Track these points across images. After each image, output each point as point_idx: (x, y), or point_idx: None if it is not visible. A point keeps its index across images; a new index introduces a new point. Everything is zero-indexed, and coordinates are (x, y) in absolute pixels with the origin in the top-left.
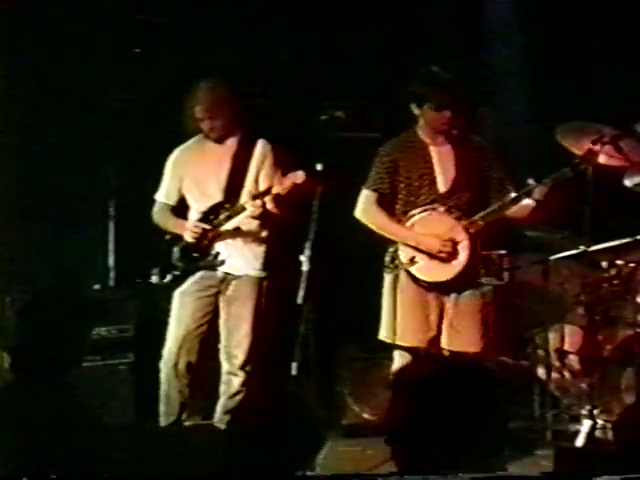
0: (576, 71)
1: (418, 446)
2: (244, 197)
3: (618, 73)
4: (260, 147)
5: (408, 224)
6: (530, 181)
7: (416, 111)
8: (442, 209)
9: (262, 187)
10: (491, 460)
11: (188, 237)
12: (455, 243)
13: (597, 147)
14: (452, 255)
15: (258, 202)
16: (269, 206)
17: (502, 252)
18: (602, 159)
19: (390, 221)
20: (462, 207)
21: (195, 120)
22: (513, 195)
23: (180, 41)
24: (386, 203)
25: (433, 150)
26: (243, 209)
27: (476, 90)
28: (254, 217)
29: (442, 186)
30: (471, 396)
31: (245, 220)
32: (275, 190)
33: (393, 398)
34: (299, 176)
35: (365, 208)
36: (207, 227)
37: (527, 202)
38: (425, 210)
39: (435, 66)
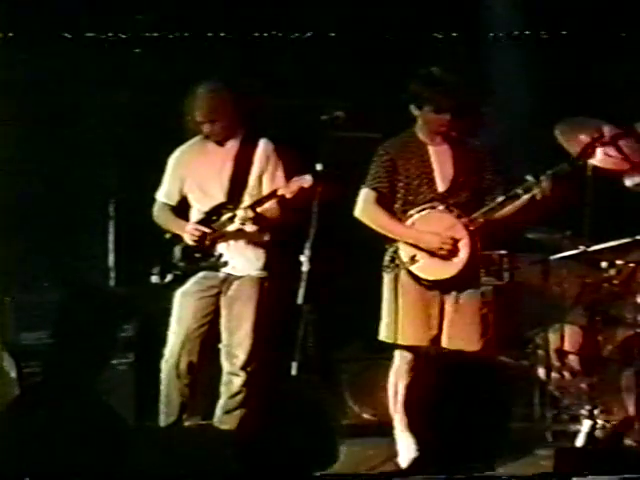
0: (576, 71)
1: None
2: (247, 198)
3: (618, 73)
4: (262, 147)
5: (408, 223)
6: (529, 177)
7: (415, 112)
8: (441, 207)
9: (266, 188)
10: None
11: (187, 239)
12: (455, 241)
13: (596, 143)
14: (453, 253)
15: (249, 212)
16: (272, 208)
17: (502, 252)
18: (602, 159)
19: (390, 219)
20: (461, 206)
21: (195, 123)
22: (512, 192)
23: (180, 41)
24: (385, 202)
25: (431, 150)
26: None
27: (476, 91)
28: (242, 224)
29: (441, 186)
30: (475, 394)
31: (240, 224)
32: (281, 193)
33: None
34: (307, 180)
35: (364, 207)
36: (206, 230)
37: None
38: (425, 209)
39: (436, 67)
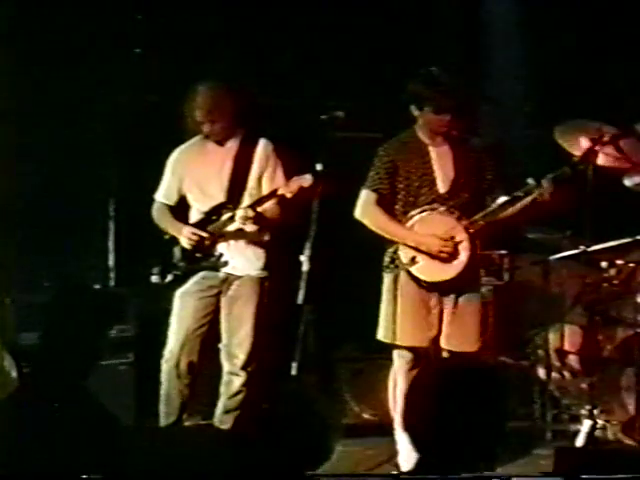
0: (576, 71)
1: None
2: (246, 198)
3: (618, 73)
4: (262, 147)
5: (408, 224)
6: (530, 181)
7: (415, 112)
8: (442, 209)
9: (266, 188)
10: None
11: (184, 243)
12: (455, 243)
13: (597, 146)
14: (452, 255)
15: (249, 212)
16: (272, 208)
17: (502, 252)
18: (602, 159)
19: (390, 221)
20: (462, 207)
21: (195, 123)
22: (513, 195)
23: (180, 41)
24: (385, 203)
25: (432, 150)
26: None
27: (476, 91)
28: (243, 224)
29: (442, 187)
30: (472, 397)
31: (240, 224)
32: (280, 192)
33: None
34: (307, 180)
35: (365, 208)
36: (204, 235)
37: (528, 200)
38: (425, 210)
39: (436, 68)
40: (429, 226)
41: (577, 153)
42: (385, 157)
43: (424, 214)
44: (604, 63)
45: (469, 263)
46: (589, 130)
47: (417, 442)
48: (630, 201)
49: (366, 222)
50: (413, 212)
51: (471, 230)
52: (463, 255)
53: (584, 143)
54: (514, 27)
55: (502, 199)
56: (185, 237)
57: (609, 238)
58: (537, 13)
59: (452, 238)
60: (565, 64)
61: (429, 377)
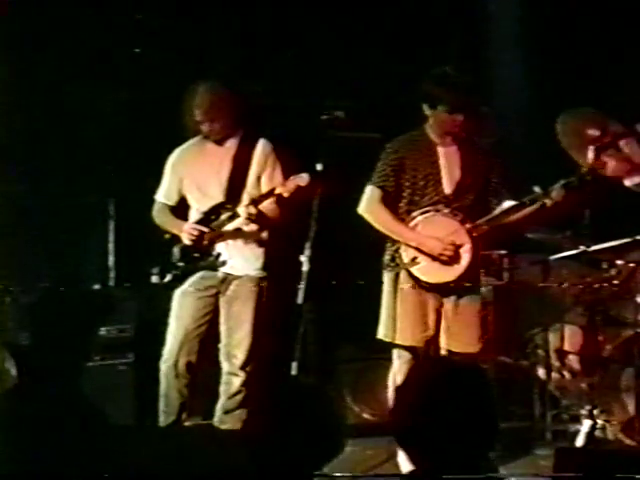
0: (577, 71)
1: (424, 446)
2: (245, 198)
3: (620, 72)
4: (261, 147)
5: (411, 224)
6: (536, 189)
7: (428, 112)
8: (446, 211)
9: (264, 188)
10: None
11: (185, 239)
12: (458, 246)
13: (604, 158)
14: (454, 258)
15: (252, 209)
16: (270, 207)
17: (502, 252)
18: (607, 168)
19: (393, 220)
20: (466, 210)
21: (195, 122)
22: (518, 201)
23: (180, 41)
24: (390, 201)
25: (440, 151)
26: (238, 214)
27: (483, 91)
28: (248, 221)
29: (447, 188)
30: (465, 397)
31: (245, 221)
32: (278, 192)
33: (397, 401)
34: (303, 179)
35: (369, 205)
36: (204, 230)
37: (532, 208)
38: (429, 211)
39: (449, 67)
40: (432, 227)
41: (577, 154)
42: (392, 154)
43: (428, 215)
44: (607, 62)
45: (470, 267)
46: (590, 126)
47: (402, 442)
48: (630, 201)
49: (369, 218)
50: (416, 212)
51: (474, 234)
52: (465, 258)
53: (587, 143)
54: (517, 26)
55: (507, 204)
56: (186, 232)
57: (609, 238)
58: (539, 12)
59: (455, 241)
60: (566, 64)
61: (419, 376)
